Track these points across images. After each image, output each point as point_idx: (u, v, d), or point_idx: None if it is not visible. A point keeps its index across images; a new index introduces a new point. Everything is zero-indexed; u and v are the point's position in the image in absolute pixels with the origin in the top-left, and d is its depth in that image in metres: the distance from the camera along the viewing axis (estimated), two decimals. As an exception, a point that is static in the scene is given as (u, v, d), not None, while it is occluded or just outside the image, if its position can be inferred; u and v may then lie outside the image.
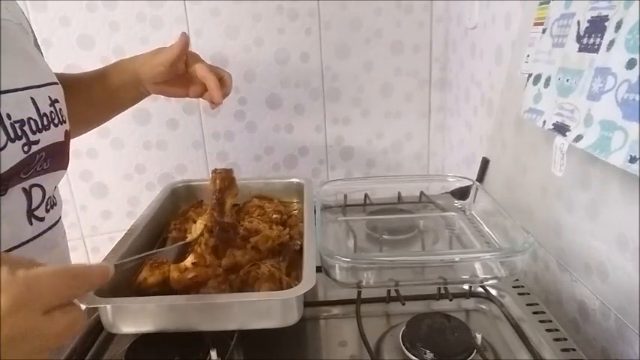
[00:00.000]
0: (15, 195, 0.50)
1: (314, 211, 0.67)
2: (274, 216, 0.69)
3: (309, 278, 0.49)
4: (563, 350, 0.53)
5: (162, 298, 0.51)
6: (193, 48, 1.10)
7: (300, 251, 0.56)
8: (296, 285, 0.48)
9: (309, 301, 0.62)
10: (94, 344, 0.55)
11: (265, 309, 0.48)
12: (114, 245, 0.57)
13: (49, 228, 0.56)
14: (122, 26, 1.05)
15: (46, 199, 0.55)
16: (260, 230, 0.63)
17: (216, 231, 0.57)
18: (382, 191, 0.88)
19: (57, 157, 0.55)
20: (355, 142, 1.24)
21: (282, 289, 0.52)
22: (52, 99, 0.54)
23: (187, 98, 0.75)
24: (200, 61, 0.71)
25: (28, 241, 0.53)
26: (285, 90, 1.17)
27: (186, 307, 0.48)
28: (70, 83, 0.71)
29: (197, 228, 0.60)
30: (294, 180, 0.77)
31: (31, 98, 0.50)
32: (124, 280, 0.54)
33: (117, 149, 1.16)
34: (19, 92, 0.49)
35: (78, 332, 0.38)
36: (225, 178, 0.60)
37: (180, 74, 0.71)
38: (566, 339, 0.55)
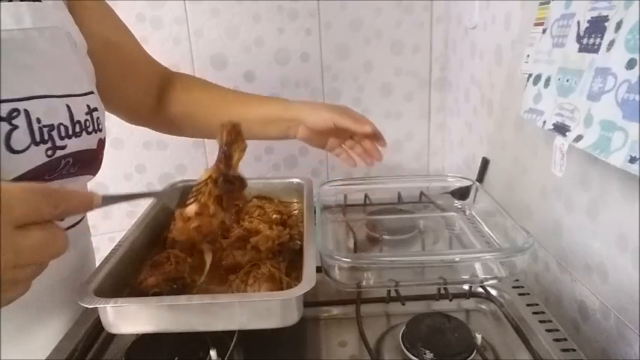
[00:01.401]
0: None
1: (314, 211, 0.67)
2: (274, 216, 0.69)
3: (309, 278, 0.48)
4: (563, 350, 0.53)
5: (162, 298, 0.51)
6: (193, 48, 1.11)
7: (300, 251, 0.56)
8: (296, 285, 0.48)
9: (309, 301, 0.62)
10: (94, 344, 0.55)
11: (265, 309, 0.48)
12: (114, 245, 0.57)
13: (68, 228, 0.57)
14: (122, 26, 1.05)
15: None
16: (260, 230, 0.63)
17: (220, 182, 0.55)
18: (382, 191, 0.88)
19: (86, 164, 0.55)
20: (355, 142, 1.23)
21: (282, 290, 0.52)
22: (91, 107, 0.55)
23: None
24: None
25: None
26: (285, 90, 1.17)
27: (186, 307, 0.48)
28: (220, 93, 0.78)
29: (202, 177, 0.59)
30: (294, 180, 0.77)
31: (67, 105, 0.52)
32: (124, 280, 0.54)
33: (117, 149, 1.16)
34: (55, 99, 0.51)
35: (57, 252, 0.37)
36: (232, 132, 0.57)
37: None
38: (566, 339, 0.54)
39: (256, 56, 1.13)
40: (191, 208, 0.53)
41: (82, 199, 0.39)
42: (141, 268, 0.54)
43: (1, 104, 0.46)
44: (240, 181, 0.57)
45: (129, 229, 0.61)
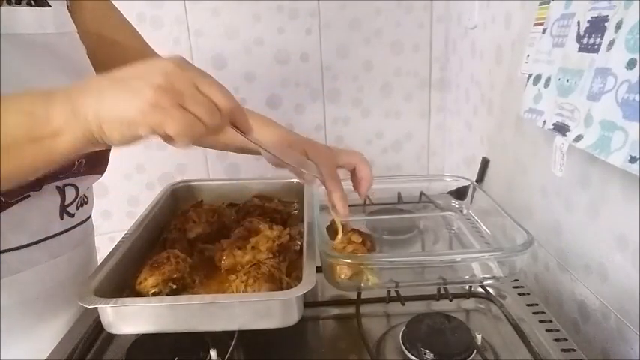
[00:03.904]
0: (48, 192, 0.54)
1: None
2: (274, 216, 0.69)
3: (309, 278, 0.49)
4: (563, 350, 0.53)
5: (162, 298, 0.51)
6: (193, 48, 1.11)
7: (300, 251, 0.56)
8: (296, 285, 0.48)
9: (309, 301, 0.62)
10: (94, 344, 0.55)
11: (265, 309, 0.48)
12: (114, 245, 0.57)
13: (79, 224, 0.60)
14: (122, 26, 1.05)
15: (78, 197, 0.59)
16: (260, 230, 0.63)
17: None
18: (382, 191, 0.88)
19: (95, 164, 0.59)
20: (355, 142, 1.23)
21: (282, 290, 0.52)
22: None
23: None
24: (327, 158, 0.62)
25: (57, 235, 0.57)
26: (285, 90, 1.17)
27: (186, 307, 0.48)
28: None
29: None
30: (294, 180, 0.77)
31: None
32: (124, 280, 0.54)
33: (117, 149, 1.15)
34: None
35: (228, 97, 0.41)
36: None
37: None
38: (566, 339, 0.55)
39: (256, 56, 1.13)
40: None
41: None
42: (141, 268, 0.54)
43: None
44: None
45: (129, 229, 0.61)
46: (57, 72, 0.53)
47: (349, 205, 0.82)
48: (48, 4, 0.55)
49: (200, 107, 0.39)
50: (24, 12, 0.51)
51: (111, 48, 0.68)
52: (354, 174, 0.63)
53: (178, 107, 0.38)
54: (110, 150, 0.61)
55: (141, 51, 0.73)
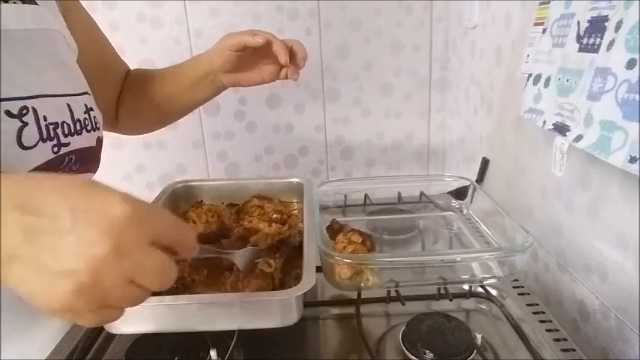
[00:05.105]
0: None
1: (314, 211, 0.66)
2: (274, 216, 0.69)
3: (309, 278, 0.48)
4: (563, 350, 0.53)
5: (162, 298, 0.51)
6: (193, 48, 1.11)
7: (300, 250, 0.56)
8: (295, 283, 0.48)
9: (309, 301, 0.62)
10: (94, 344, 0.55)
11: (265, 309, 0.48)
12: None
13: None
14: (122, 26, 1.05)
15: None
16: (259, 229, 0.63)
17: None
18: (382, 191, 0.88)
19: (86, 161, 0.58)
20: (355, 142, 1.24)
21: (273, 286, 0.52)
22: (87, 107, 0.58)
23: None
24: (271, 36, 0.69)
25: None
26: (285, 90, 1.17)
27: (186, 307, 0.48)
28: (147, 78, 0.76)
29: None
30: (294, 180, 0.77)
31: (67, 105, 0.54)
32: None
33: (117, 149, 1.16)
34: (57, 98, 0.53)
35: (168, 281, 0.35)
36: None
37: (251, 61, 0.71)
38: (566, 339, 0.55)
39: (256, 56, 1.13)
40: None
41: (191, 243, 0.38)
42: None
43: (13, 102, 0.48)
44: None
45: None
46: (37, 67, 0.53)
47: (351, 205, 0.84)
48: (35, 2, 0.55)
49: (124, 302, 0.34)
50: (3, 8, 0.51)
51: (96, 56, 0.69)
52: (291, 52, 0.70)
53: (96, 308, 0.33)
54: (101, 146, 0.60)
55: (115, 59, 0.76)
